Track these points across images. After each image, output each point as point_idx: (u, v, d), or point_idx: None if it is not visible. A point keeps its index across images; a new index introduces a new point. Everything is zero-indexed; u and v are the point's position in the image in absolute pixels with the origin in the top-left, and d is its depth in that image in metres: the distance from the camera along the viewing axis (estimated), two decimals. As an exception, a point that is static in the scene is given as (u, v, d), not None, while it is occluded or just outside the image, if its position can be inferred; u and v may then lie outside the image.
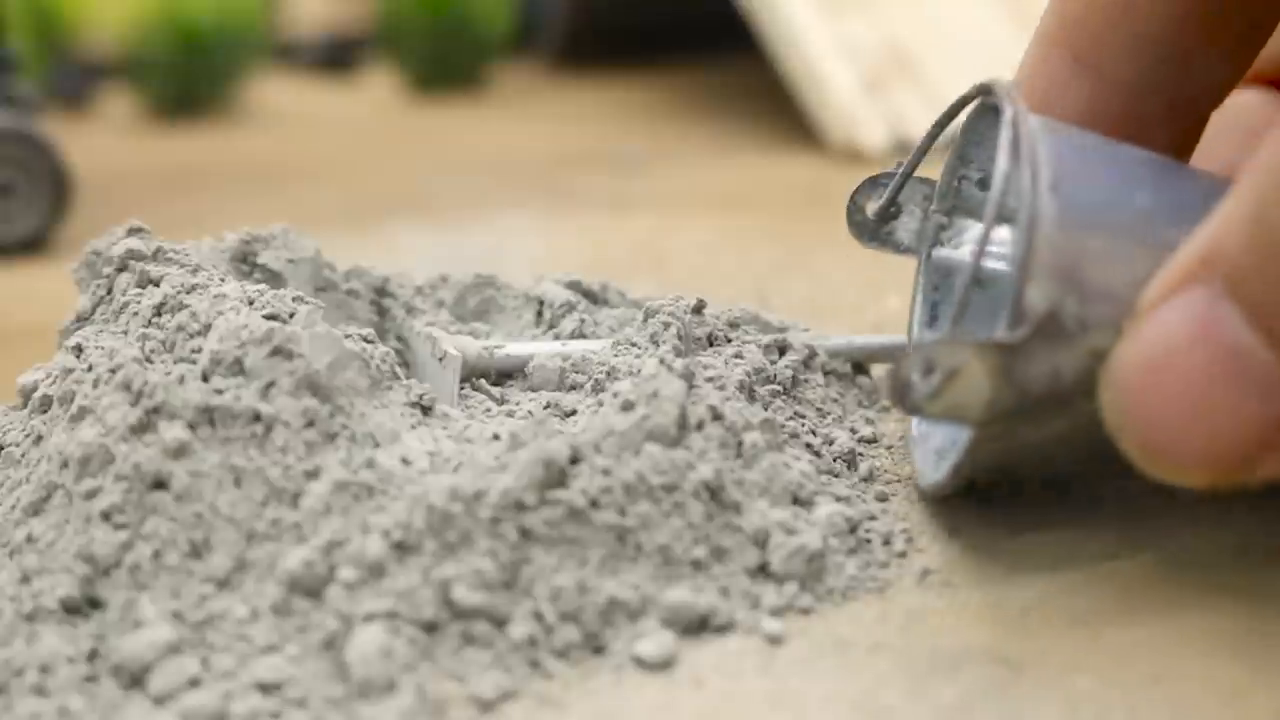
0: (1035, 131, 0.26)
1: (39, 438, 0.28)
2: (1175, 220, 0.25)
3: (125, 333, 0.29)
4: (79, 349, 0.29)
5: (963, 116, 0.30)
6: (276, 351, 0.27)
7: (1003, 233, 0.29)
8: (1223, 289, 0.22)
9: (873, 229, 0.32)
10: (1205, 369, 0.22)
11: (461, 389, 0.31)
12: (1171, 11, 0.28)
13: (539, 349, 0.32)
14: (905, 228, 0.31)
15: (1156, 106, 0.28)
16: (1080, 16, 0.28)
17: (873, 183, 0.31)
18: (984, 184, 0.31)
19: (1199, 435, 0.22)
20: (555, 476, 0.25)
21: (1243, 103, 0.31)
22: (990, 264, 0.29)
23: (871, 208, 0.31)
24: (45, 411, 0.29)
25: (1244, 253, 0.22)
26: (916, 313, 0.31)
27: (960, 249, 0.31)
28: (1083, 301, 0.24)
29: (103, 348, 0.28)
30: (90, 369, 0.27)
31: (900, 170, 0.31)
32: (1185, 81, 0.28)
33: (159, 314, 0.29)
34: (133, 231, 0.31)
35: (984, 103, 0.29)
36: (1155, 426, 0.23)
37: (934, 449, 0.28)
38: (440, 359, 0.31)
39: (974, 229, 0.31)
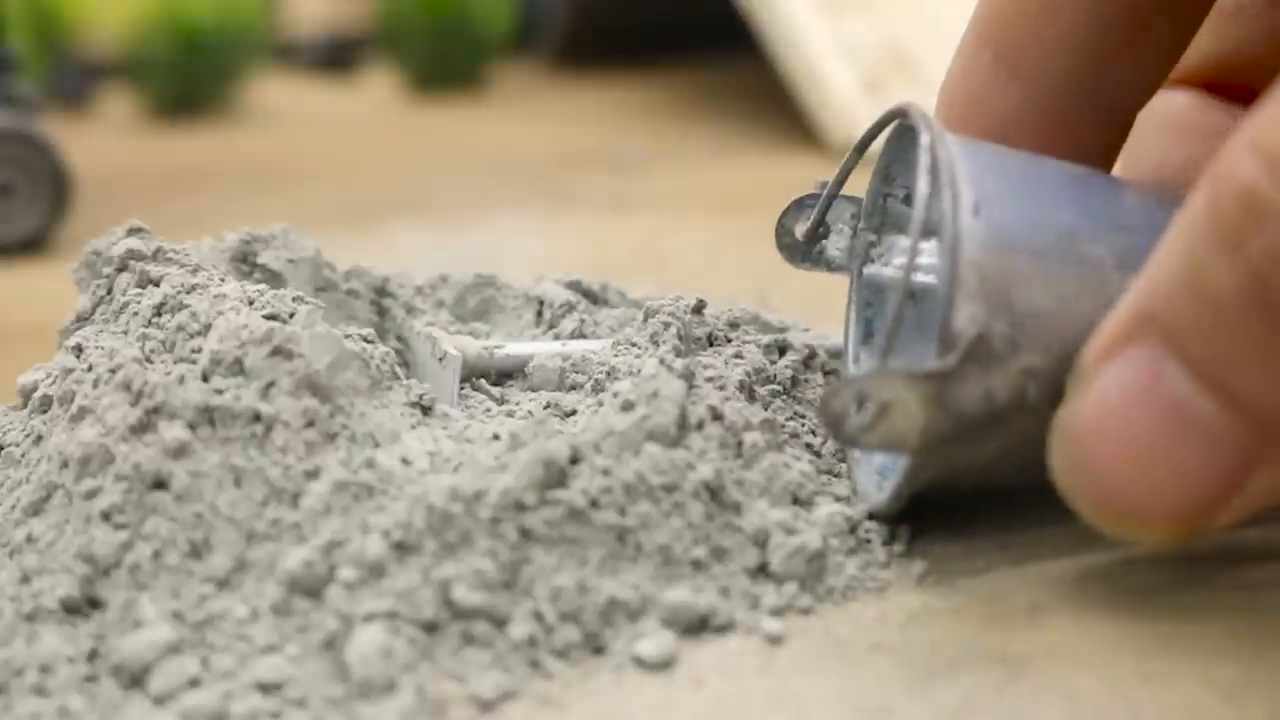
0: (953, 154, 0.26)
1: (39, 438, 0.28)
2: (1099, 235, 0.26)
3: (125, 333, 0.29)
4: (79, 349, 0.29)
5: (884, 135, 0.30)
6: (276, 351, 0.27)
7: (932, 244, 0.30)
8: (1163, 346, 0.22)
9: (803, 250, 0.32)
10: (1153, 426, 0.22)
11: (461, 389, 0.31)
12: (1095, 16, 0.28)
13: (539, 349, 0.32)
14: (835, 246, 0.32)
15: (1084, 109, 0.29)
16: (1004, 22, 0.29)
17: (799, 205, 0.32)
18: (909, 200, 0.31)
19: (1151, 493, 0.23)
20: (555, 476, 0.25)
21: (1169, 104, 0.32)
22: (921, 278, 0.30)
23: (800, 229, 0.32)
24: (45, 411, 0.29)
25: (1179, 310, 0.22)
26: (851, 330, 0.31)
27: (891, 266, 0.31)
28: (1012, 323, 0.25)
29: (103, 348, 0.28)
30: (90, 369, 0.27)
31: (825, 190, 0.31)
32: (1112, 84, 0.28)
33: (159, 314, 0.29)
34: (133, 231, 0.31)
35: (900, 132, 0.29)
36: (1107, 486, 0.23)
37: (875, 468, 0.28)
38: (440, 359, 0.31)
39: (903, 244, 0.31)
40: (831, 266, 0.32)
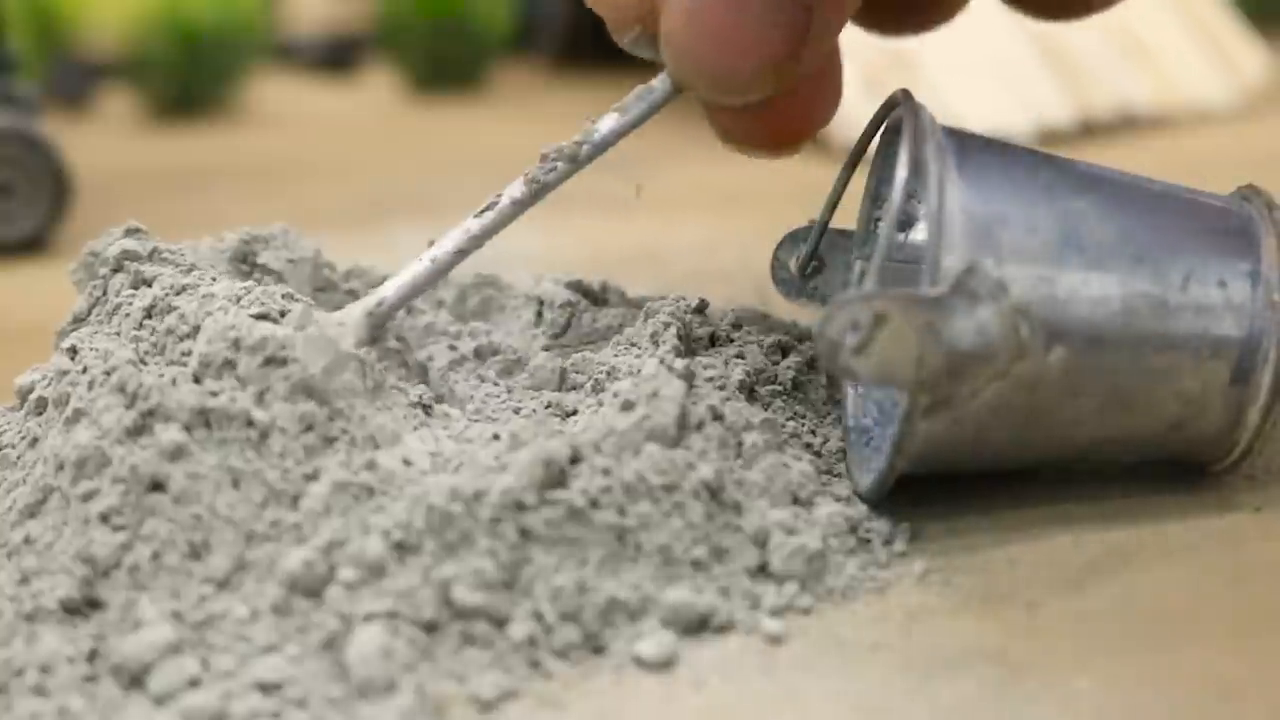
0: (936, 125, 0.27)
1: (35, 440, 0.28)
2: (1077, 190, 0.27)
3: (119, 334, 0.29)
4: (74, 351, 0.29)
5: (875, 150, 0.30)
6: (270, 361, 0.26)
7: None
8: None
9: (799, 285, 0.32)
10: (725, 9, 0.27)
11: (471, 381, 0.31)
12: None
13: (416, 268, 0.29)
14: (829, 282, 0.32)
15: None
16: None
17: (794, 238, 0.32)
18: (901, 225, 0.31)
19: (736, 56, 0.28)
20: (555, 476, 0.25)
21: None
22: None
23: (795, 263, 0.32)
24: (41, 413, 0.29)
25: None
26: None
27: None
28: (1000, 262, 0.26)
29: (97, 349, 0.28)
30: (85, 371, 0.27)
31: (817, 222, 0.31)
32: None
33: (149, 315, 0.29)
34: (130, 232, 0.31)
35: (888, 142, 0.30)
36: (705, 64, 0.28)
37: (875, 469, 0.28)
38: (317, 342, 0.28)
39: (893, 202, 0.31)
40: (826, 302, 0.32)
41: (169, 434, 0.26)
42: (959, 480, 0.28)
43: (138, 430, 0.26)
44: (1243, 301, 0.27)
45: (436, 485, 0.25)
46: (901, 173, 0.26)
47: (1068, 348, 0.26)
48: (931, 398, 0.26)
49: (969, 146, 0.27)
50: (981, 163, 0.27)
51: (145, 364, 0.28)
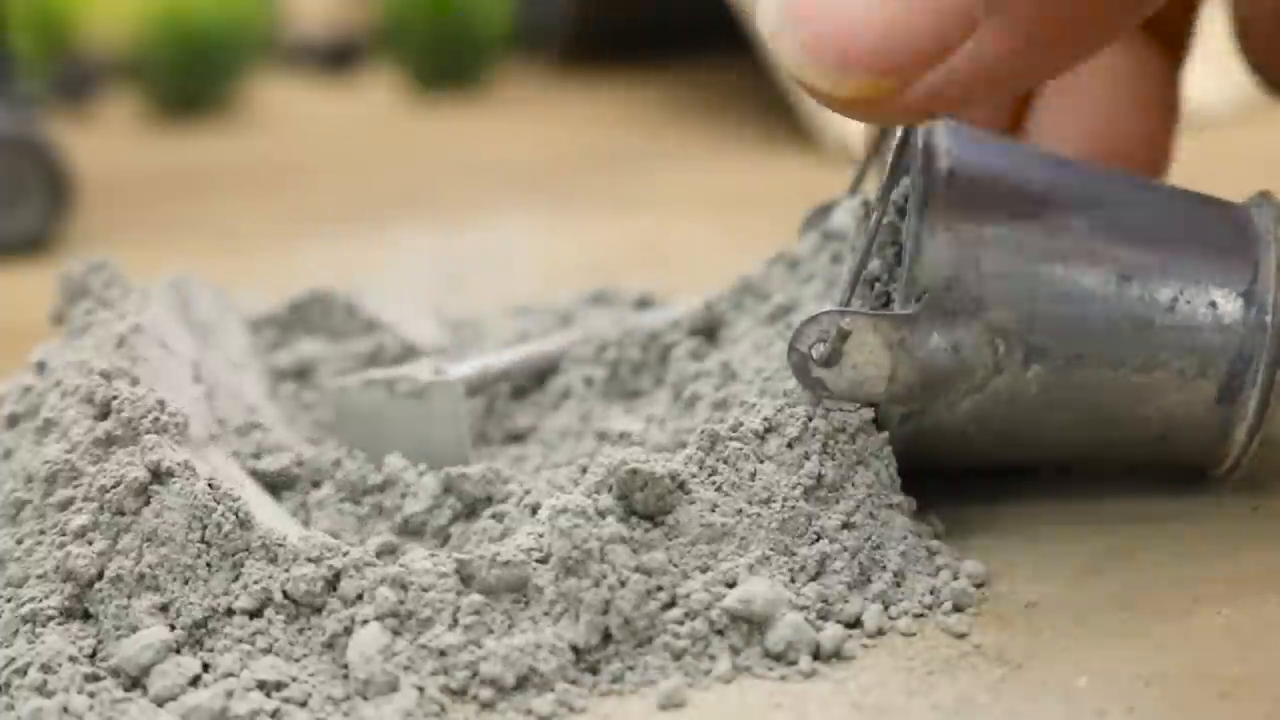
0: (935, 128, 0.27)
1: (9, 451, 0.28)
2: (1072, 203, 0.26)
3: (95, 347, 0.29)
4: (41, 365, 0.29)
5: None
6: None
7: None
8: None
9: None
10: None
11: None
12: None
13: (516, 352, 0.31)
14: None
15: None
16: None
17: (821, 212, 0.32)
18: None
19: (863, 35, 0.21)
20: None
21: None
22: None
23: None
24: (14, 427, 0.28)
25: None
26: None
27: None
28: (979, 280, 0.26)
29: (71, 361, 0.28)
30: (59, 383, 0.27)
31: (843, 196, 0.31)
32: None
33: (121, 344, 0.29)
34: (93, 268, 0.31)
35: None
36: (815, 27, 0.21)
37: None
38: (418, 395, 0.28)
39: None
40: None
41: (152, 441, 0.25)
42: (959, 480, 0.29)
43: (109, 442, 0.26)
44: (1233, 321, 0.26)
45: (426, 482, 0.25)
46: (883, 197, 0.26)
47: (1046, 365, 0.26)
48: (905, 410, 0.26)
49: (964, 152, 0.27)
50: (973, 172, 0.26)
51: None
